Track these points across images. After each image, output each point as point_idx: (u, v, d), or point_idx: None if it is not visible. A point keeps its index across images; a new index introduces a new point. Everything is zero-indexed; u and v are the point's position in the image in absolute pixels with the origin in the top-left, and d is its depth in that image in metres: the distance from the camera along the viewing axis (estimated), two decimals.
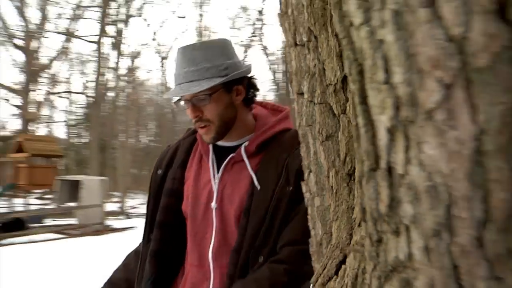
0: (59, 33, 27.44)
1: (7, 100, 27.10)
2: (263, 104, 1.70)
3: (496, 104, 0.43)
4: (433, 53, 0.46)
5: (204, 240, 1.54)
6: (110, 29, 26.21)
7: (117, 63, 26.38)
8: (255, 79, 1.61)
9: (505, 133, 0.44)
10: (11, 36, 26.12)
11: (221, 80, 1.45)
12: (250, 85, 1.58)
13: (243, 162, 1.52)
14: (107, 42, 27.37)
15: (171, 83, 1.71)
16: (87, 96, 29.93)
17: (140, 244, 1.72)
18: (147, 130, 34.82)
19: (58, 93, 30.24)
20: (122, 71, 27.51)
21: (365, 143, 0.57)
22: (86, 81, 30.51)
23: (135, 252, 1.76)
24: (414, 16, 0.47)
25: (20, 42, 26.47)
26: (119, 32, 26.28)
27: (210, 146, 1.59)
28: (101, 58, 25.85)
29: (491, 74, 0.43)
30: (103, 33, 25.67)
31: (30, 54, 26.36)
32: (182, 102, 1.54)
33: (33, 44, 26.64)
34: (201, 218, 1.56)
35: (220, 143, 1.58)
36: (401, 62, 0.49)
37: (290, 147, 1.47)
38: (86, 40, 27.21)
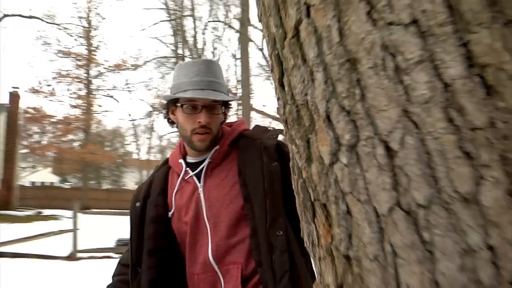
0: None
1: None
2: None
3: None
4: None
5: (204, 248, 1.59)
6: None
7: None
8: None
9: None
10: None
11: (233, 98, 1.73)
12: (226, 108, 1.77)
13: (221, 165, 1.67)
14: None
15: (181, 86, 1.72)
16: None
17: (121, 260, 1.83)
18: None
19: None
20: None
21: None
22: None
23: (124, 265, 1.80)
24: None
25: None
26: None
27: (183, 165, 1.71)
28: None
29: None
30: None
31: None
32: (189, 106, 1.65)
33: None
34: (195, 229, 1.62)
35: (191, 159, 1.73)
36: None
37: (259, 134, 1.70)
38: None
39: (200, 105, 1.63)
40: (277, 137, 1.67)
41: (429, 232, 0.54)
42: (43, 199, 29.12)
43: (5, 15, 27.89)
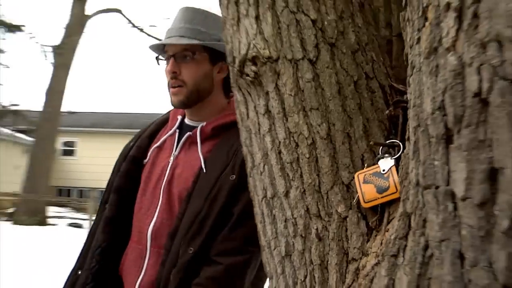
0: None
1: None
2: None
3: None
4: None
5: (146, 217, 1.46)
6: None
7: None
8: None
9: None
10: None
11: (208, 43, 1.45)
12: None
13: (204, 143, 1.47)
14: None
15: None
16: None
17: None
18: None
19: None
20: None
21: None
22: None
23: None
24: None
25: None
26: None
27: (177, 121, 1.55)
28: None
29: None
30: None
31: None
32: (161, 57, 1.55)
33: None
34: (149, 194, 1.49)
35: (188, 121, 1.55)
36: None
37: None
38: None
39: (168, 56, 1.48)
40: None
41: None
42: None
43: None
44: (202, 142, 1.46)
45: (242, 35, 0.99)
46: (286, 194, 0.90)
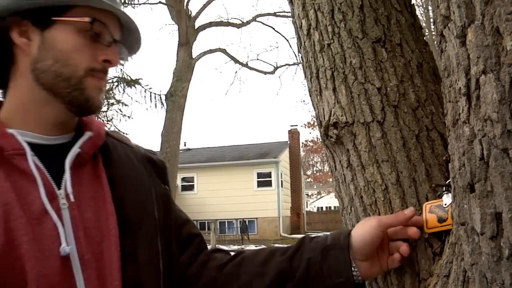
0: None
1: None
2: None
3: None
4: None
5: None
6: None
7: None
8: None
9: None
10: None
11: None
12: None
13: (86, 166, 1.00)
14: None
15: None
16: None
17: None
18: None
19: None
20: None
21: None
22: None
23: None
24: None
25: None
26: None
27: (21, 141, 0.91)
28: None
29: None
30: None
31: None
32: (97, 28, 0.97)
33: None
34: (57, 278, 0.85)
35: (27, 135, 0.94)
36: None
37: (127, 140, 1.16)
38: None
39: (112, 36, 1.00)
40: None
41: None
42: (329, 222, 31.26)
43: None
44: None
45: (324, 104, 1.25)
46: None
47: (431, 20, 14.25)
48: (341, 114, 1.19)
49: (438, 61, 1.30)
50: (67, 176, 0.93)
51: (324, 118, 1.25)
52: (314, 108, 1.32)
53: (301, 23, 1.34)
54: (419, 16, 1.75)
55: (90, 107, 0.98)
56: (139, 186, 1.05)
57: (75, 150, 0.97)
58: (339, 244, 1.05)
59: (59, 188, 0.92)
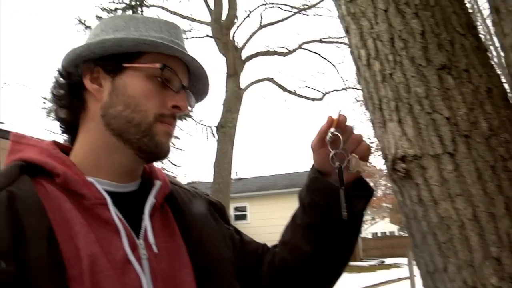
0: None
1: None
2: None
3: None
4: None
5: None
6: None
7: None
8: None
9: None
10: None
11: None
12: None
13: (162, 217, 1.01)
14: None
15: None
16: None
17: None
18: None
19: None
20: None
21: None
22: None
23: None
24: None
25: None
26: None
27: (101, 190, 0.92)
28: None
29: None
30: None
31: None
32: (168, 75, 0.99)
33: None
34: None
35: (101, 182, 0.94)
36: None
37: (179, 182, 1.15)
38: None
39: (183, 85, 1.01)
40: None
41: None
42: (385, 248, 30.46)
43: None
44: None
45: (390, 136, 1.20)
46: (445, 269, 1.07)
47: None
48: (408, 146, 1.14)
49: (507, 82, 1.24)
50: (147, 226, 0.95)
51: (390, 151, 1.20)
52: (379, 141, 1.27)
53: (359, 53, 1.31)
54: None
55: (159, 153, 0.98)
56: (210, 231, 1.06)
57: (152, 199, 0.99)
58: (310, 178, 1.18)
59: (137, 238, 0.93)
